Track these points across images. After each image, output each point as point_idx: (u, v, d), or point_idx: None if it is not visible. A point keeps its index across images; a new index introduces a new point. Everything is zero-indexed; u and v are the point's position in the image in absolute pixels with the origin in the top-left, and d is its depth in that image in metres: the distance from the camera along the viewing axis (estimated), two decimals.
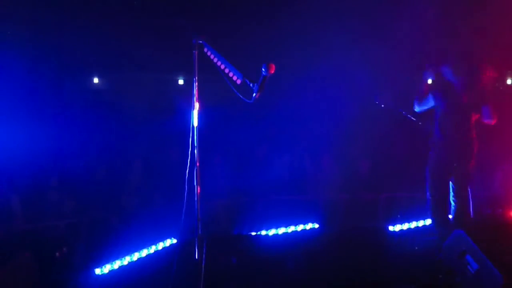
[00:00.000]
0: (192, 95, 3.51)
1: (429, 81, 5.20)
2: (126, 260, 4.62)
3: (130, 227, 6.54)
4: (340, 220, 7.24)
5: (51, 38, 13.36)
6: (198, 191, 3.73)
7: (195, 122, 3.52)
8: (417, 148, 9.68)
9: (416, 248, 5.22)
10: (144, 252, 4.94)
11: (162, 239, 5.79)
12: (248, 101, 3.26)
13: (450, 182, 4.97)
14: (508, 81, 18.12)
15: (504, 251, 4.18)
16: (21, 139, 7.01)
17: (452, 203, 4.94)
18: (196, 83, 3.52)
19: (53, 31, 13.52)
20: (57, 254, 4.21)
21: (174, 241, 5.66)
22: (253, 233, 6.79)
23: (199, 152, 3.56)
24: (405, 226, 6.32)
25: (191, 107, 3.51)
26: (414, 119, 6.10)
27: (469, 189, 4.96)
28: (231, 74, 3.33)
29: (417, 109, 5.24)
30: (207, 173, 7.19)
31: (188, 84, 16.20)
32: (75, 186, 7.02)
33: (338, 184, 7.87)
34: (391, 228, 6.20)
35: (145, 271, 4.37)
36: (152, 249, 5.06)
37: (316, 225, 6.72)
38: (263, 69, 3.12)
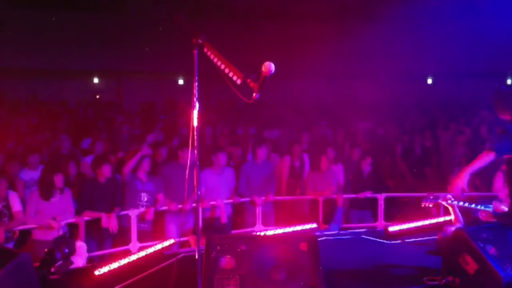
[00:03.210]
0: (192, 95, 3.51)
1: None
2: (125, 260, 4.61)
3: (130, 227, 6.55)
4: (340, 220, 7.25)
5: (50, 38, 13.37)
6: (199, 191, 3.72)
7: (195, 122, 3.51)
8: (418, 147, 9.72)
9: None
10: (144, 252, 4.94)
11: (162, 239, 5.79)
12: (248, 101, 3.25)
13: None
14: (508, 81, 18.15)
15: None
16: None
17: None
18: (196, 83, 3.51)
19: (52, 30, 13.54)
20: (57, 254, 4.20)
21: (174, 241, 5.66)
22: (253, 233, 6.80)
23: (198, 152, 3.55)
24: (405, 226, 6.31)
25: (191, 107, 3.51)
26: None
27: None
28: (231, 74, 3.32)
29: None
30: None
31: (188, 84, 16.26)
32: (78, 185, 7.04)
33: (338, 184, 7.88)
34: (391, 228, 6.20)
35: (145, 271, 4.36)
36: (152, 249, 5.06)
37: (316, 225, 6.72)
38: (263, 69, 3.11)
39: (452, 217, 5.29)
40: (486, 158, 4.27)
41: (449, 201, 5.30)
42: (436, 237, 5.18)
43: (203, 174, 7.07)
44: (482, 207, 5.12)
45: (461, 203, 5.28)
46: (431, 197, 5.87)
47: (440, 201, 5.45)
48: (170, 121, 11.40)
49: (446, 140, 10.43)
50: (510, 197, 4.37)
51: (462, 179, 4.23)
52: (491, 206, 5.05)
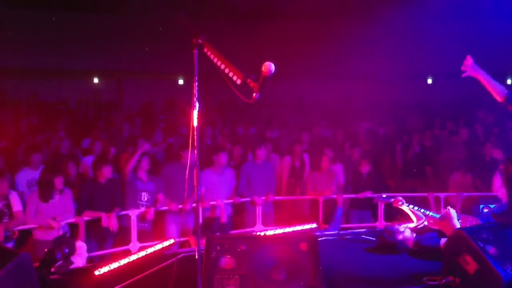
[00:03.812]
0: (192, 95, 3.50)
1: None
2: (125, 260, 4.61)
3: (130, 226, 6.55)
4: (340, 220, 7.25)
5: (50, 38, 13.35)
6: (199, 191, 3.71)
7: (195, 122, 3.51)
8: (418, 147, 9.72)
9: None
10: (143, 252, 4.94)
11: (162, 239, 5.78)
12: (248, 101, 3.25)
13: None
14: (508, 81, 18.15)
15: None
16: None
17: None
18: (196, 83, 3.51)
19: (52, 30, 13.54)
20: (57, 254, 4.20)
21: (174, 241, 5.65)
22: (253, 233, 6.80)
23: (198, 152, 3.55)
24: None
25: (191, 107, 3.50)
26: None
27: None
28: (231, 74, 3.32)
29: None
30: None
31: (188, 84, 16.27)
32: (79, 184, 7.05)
33: (338, 184, 7.88)
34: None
35: (145, 271, 4.36)
36: (152, 249, 5.05)
37: (316, 225, 6.71)
38: (263, 69, 3.11)
39: (413, 218, 5.25)
40: (498, 87, 4.13)
41: (400, 203, 5.27)
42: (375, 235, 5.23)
43: (204, 174, 7.08)
44: (430, 213, 5.07)
45: (410, 207, 5.24)
46: (384, 195, 5.89)
47: (391, 201, 5.49)
48: (170, 121, 11.42)
49: (443, 139, 10.47)
50: (508, 196, 4.36)
51: (476, 67, 4.12)
52: (438, 214, 4.98)
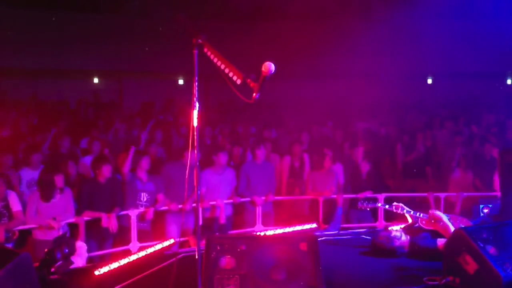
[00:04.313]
0: (192, 95, 3.50)
1: None
2: (125, 260, 4.61)
3: (130, 226, 6.55)
4: (340, 220, 7.25)
5: (50, 38, 13.35)
6: (199, 191, 3.71)
7: (195, 122, 3.51)
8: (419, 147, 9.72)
9: None
10: (144, 252, 4.94)
11: (162, 239, 5.79)
12: (248, 101, 3.25)
13: None
14: (508, 81, 18.16)
15: None
16: None
17: None
18: (196, 83, 3.51)
19: (52, 30, 13.55)
20: (57, 254, 4.20)
21: (174, 241, 5.65)
22: (253, 233, 6.80)
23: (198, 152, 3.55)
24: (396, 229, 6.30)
25: (191, 107, 3.50)
26: None
27: None
28: (231, 74, 3.32)
29: None
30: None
31: (188, 84, 16.28)
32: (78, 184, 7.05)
33: (338, 184, 7.88)
34: (391, 228, 6.19)
35: (145, 271, 4.36)
36: (152, 249, 5.05)
37: (316, 225, 6.71)
38: (263, 69, 3.11)
39: (409, 220, 5.26)
40: None
41: (399, 210, 5.27)
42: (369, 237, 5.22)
43: (204, 174, 7.08)
44: (421, 215, 5.07)
45: (399, 210, 5.23)
46: (368, 199, 5.90)
47: (379, 205, 5.46)
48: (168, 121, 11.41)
49: (442, 139, 10.47)
50: (501, 187, 4.34)
51: None
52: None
